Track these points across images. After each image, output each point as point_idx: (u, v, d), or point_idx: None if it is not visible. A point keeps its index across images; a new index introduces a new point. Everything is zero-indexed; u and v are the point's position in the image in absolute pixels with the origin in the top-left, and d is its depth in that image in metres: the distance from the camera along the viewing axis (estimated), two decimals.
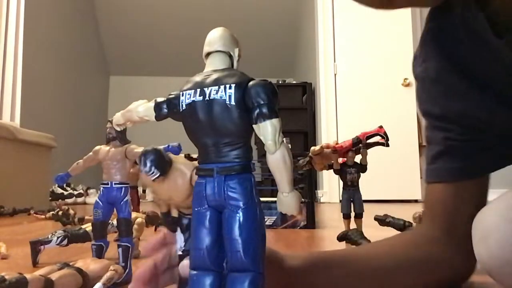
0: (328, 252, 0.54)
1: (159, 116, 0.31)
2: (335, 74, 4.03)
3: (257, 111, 0.26)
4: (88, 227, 0.83)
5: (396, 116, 3.55)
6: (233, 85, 0.27)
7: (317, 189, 3.98)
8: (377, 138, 1.15)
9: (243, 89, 0.27)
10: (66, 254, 0.91)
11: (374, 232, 0.93)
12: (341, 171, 1.13)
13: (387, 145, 1.15)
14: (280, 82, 4.57)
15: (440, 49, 0.56)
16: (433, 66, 0.57)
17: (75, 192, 3.75)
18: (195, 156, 0.33)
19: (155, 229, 1.34)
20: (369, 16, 3.59)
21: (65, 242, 0.82)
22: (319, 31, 4.09)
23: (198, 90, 0.28)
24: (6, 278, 0.49)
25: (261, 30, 5.61)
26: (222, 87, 0.27)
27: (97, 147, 0.69)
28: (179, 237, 0.35)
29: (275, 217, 1.54)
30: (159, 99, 0.31)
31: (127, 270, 0.63)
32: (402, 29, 3.72)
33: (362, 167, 1.11)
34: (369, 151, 1.12)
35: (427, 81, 0.59)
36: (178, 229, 0.35)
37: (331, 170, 1.15)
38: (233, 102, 0.27)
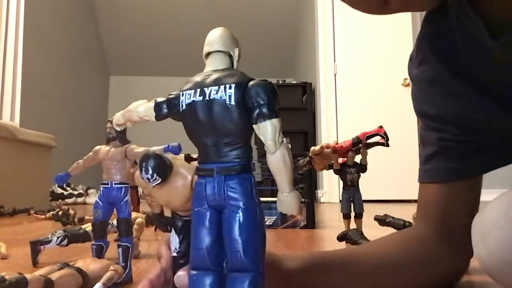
0: (326, 253, 0.54)
1: (159, 116, 0.31)
2: (335, 74, 4.03)
3: (257, 111, 0.26)
4: (88, 227, 0.83)
5: (396, 116, 3.54)
6: (233, 85, 0.27)
7: (317, 189, 3.98)
8: (377, 138, 1.15)
9: (243, 89, 0.27)
10: (66, 254, 0.91)
11: (374, 232, 0.93)
12: (341, 171, 1.13)
13: (387, 145, 1.15)
14: (280, 82, 4.57)
15: (437, 52, 0.57)
16: (429, 68, 0.58)
17: (75, 192, 3.75)
18: (195, 156, 0.33)
19: (155, 229, 1.34)
20: (369, 16, 3.58)
21: (65, 242, 0.82)
22: (319, 31, 4.09)
23: (198, 90, 0.28)
24: (6, 278, 0.49)
25: (261, 30, 5.61)
26: (222, 87, 0.27)
27: (97, 147, 0.69)
28: (174, 239, 0.35)
29: (275, 217, 1.54)
30: (159, 99, 0.31)
31: (127, 270, 0.63)
32: (402, 29, 3.71)
33: (362, 167, 1.11)
34: (369, 151, 1.12)
35: (424, 82, 0.59)
36: (173, 231, 0.35)
37: (331, 170, 1.15)
38: (233, 102, 0.27)
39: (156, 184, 0.31)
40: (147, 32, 5.75)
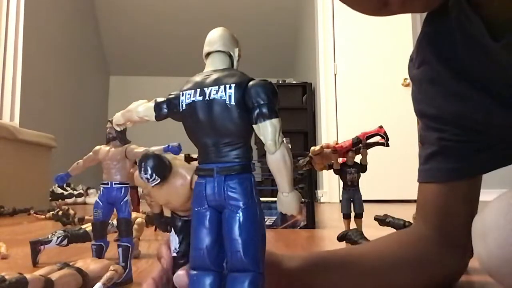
0: (326, 253, 0.54)
1: (159, 116, 0.31)
2: (335, 74, 4.03)
3: (257, 111, 0.26)
4: (88, 227, 0.83)
5: (396, 116, 3.55)
6: (233, 85, 0.27)
7: (317, 189, 3.98)
8: (377, 138, 1.15)
9: (243, 89, 0.27)
10: (66, 254, 0.91)
11: (374, 232, 0.93)
12: (341, 171, 1.13)
13: (387, 145, 1.15)
14: (280, 82, 4.57)
15: (437, 53, 0.57)
16: (430, 68, 0.58)
17: (75, 192, 3.75)
18: (195, 156, 0.33)
19: (155, 229, 1.34)
20: (369, 16, 3.58)
21: (65, 242, 0.82)
22: (319, 31, 4.09)
23: (198, 90, 0.28)
24: (6, 278, 0.49)
25: (261, 30, 5.61)
26: (222, 87, 0.27)
27: (97, 147, 0.69)
28: (174, 239, 0.35)
29: (275, 217, 1.54)
30: (159, 99, 0.31)
31: (127, 270, 0.63)
32: (402, 29, 3.71)
33: (362, 167, 1.11)
34: (369, 151, 1.12)
35: (424, 82, 0.59)
36: (173, 231, 0.35)
37: (331, 170, 1.15)
38: (233, 102, 0.27)
39: (155, 184, 0.31)
40: (147, 32, 5.75)
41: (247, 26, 5.44)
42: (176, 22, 5.61)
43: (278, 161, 0.26)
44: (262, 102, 0.26)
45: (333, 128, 3.96)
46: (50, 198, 3.16)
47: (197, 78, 0.29)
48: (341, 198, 1.15)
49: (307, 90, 4.34)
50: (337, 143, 1.14)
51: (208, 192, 0.28)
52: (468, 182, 0.58)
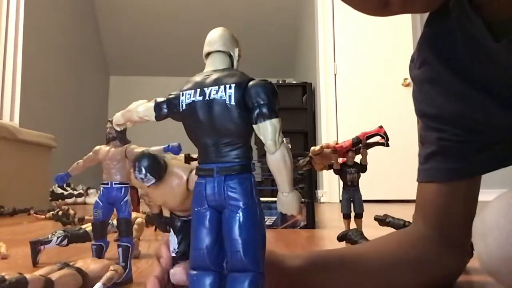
0: (327, 252, 0.54)
1: (159, 116, 0.31)
2: (335, 74, 4.03)
3: (257, 111, 0.26)
4: (88, 227, 0.83)
5: (396, 116, 3.55)
6: (233, 85, 0.27)
7: (317, 189, 3.98)
8: (377, 138, 1.15)
9: (243, 89, 0.27)
10: (66, 254, 0.91)
11: (374, 232, 0.93)
12: (341, 171, 1.13)
13: (387, 145, 1.15)
14: (280, 82, 4.57)
15: (437, 53, 0.57)
16: (430, 69, 0.58)
17: (75, 192, 3.75)
18: (195, 156, 0.33)
19: (155, 229, 1.34)
20: (369, 16, 3.58)
21: (65, 242, 0.82)
22: (319, 31, 4.09)
23: (198, 90, 0.28)
24: (6, 278, 0.49)
25: (261, 30, 5.61)
26: (222, 87, 0.27)
27: (97, 147, 0.69)
28: (173, 239, 0.35)
29: (275, 217, 1.54)
30: (159, 99, 0.31)
31: (127, 270, 0.63)
32: (402, 29, 3.72)
33: (362, 167, 1.11)
34: (369, 151, 1.12)
35: (425, 82, 0.59)
36: (171, 231, 0.35)
37: (331, 170, 1.15)
38: (233, 102, 0.27)
39: (151, 184, 0.31)
40: (147, 32, 5.75)
41: (247, 26, 5.44)
42: (176, 22, 5.61)
43: (278, 161, 0.26)
44: (262, 102, 0.26)
45: (333, 128, 3.96)
46: (50, 198, 3.16)
47: (197, 78, 0.29)
48: (341, 198, 1.15)
49: (307, 90, 4.34)
50: (337, 143, 1.14)
51: (208, 192, 0.28)
52: (467, 182, 0.58)
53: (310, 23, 4.49)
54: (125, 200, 0.65)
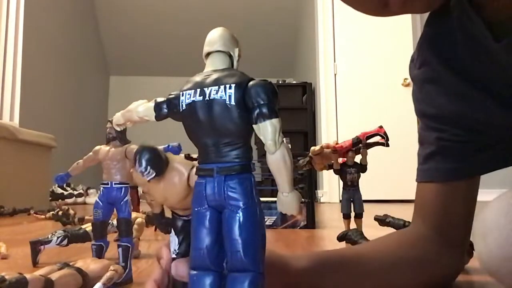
0: (329, 252, 0.54)
1: (159, 116, 0.31)
2: (335, 74, 4.03)
3: (257, 111, 0.26)
4: (88, 227, 0.83)
5: (396, 116, 3.55)
6: (233, 85, 0.27)
7: (317, 189, 3.98)
8: (377, 138, 1.15)
9: (243, 89, 0.27)
10: (66, 254, 0.91)
11: (374, 232, 0.93)
12: (341, 171, 1.13)
13: (387, 145, 1.15)
14: (280, 82, 4.57)
15: (437, 53, 0.57)
16: (430, 69, 0.58)
17: (75, 192, 3.75)
18: (195, 156, 0.33)
19: (155, 229, 1.34)
20: (369, 16, 3.59)
21: (65, 242, 0.82)
22: (319, 31, 4.10)
23: (198, 90, 0.28)
24: (6, 278, 0.49)
25: (261, 30, 5.61)
26: (222, 87, 0.27)
27: (97, 147, 0.69)
28: (173, 239, 0.34)
29: (275, 217, 1.54)
30: (159, 99, 0.31)
31: (127, 270, 0.63)
32: (402, 29, 3.72)
33: (362, 167, 1.11)
34: (369, 151, 1.12)
35: (425, 82, 0.59)
36: (172, 231, 0.34)
37: (331, 170, 1.15)
38: (233, 102, 0.27)
39: (151, 178, 0.31)
40: (147, 32, 5.75)
41: (247, 26, 5.44)
42: (176, 22, 5.61)
43: (278, 161, 0.26)
44: (262, 102, 0.26)
45: (333, 128, 3.96)
46: (50, 198, 3.16)
47: (197, 78, 0.29)
48: (341, 198, 1.15)
49: (307, 90, 4.34)
50: (337, 143, 1.14)
51: (208, 192, 0.28)
52: (467, 182, 0.58)
53: (310, 23, 4.49)
54: (125, 200, 0.65)
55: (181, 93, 0.29)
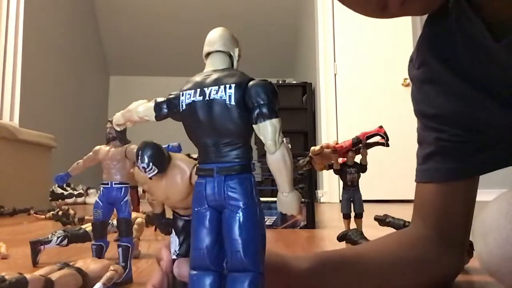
0: (330, 252, 0.54)
1: (159, 116, 0.31)
2: (335, 74, 4.03)
3: (257, 111, 0.26)
4: (88, 227, 0.83)
5: (396, 116, 3.55)
6: (233, 85, 0.27)
7: (317, 189, 3.98)
8: (377, 138, 1.15)
9: (243, 89, 0.27)
10: (66, 254, 0.91)
11: (374, 232, 0.93)
12: (341, 171, 1.13)
13: (387, 145, 1.15)
14: (280, 82, 4.57)
15: (436, 54, 0.57)
16: (430, 69, 0.58)
17: (75, 192, 3.75)
18: (195, 156, 0.33)
19: (155, 229, 1.34)
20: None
21: (65, 242, 0.82)
22: (319, 31, 4.10)
23: (198, 90, 0.28)
24: (6, 278, 0.49)
25: (261, 30, 5.61)
26: (222, 87, 0.27)
27: (97, 147, 0.69)
28: (174, 240, 0.34)
29: (275, 217, 1.54)
30: (159, 99, 0.31)
31: (127, 270, 0.63)
32: (402, 29, 3.72)
33: (362, 167, 1.11)
34: (369, 151, 1.12)
35: (424, 83, 0.59)
36: (173, 232, 0.34)
37: (331, 170, 1.15)
38: (233, 102, 0.27)
39: (153, 175, 0.30)
40: (147, 32, 5.75)
41: (247, 26, 5.44)
42: (176, 22, 5.61)
43: (278, 161, 0.26)
44: (262, 102, 0.26)
45: (333, 128, 3.96)
46: (50, 198, 3.16)
47: (197, 78, 0.29)
48: (341, 198, 1.15)
49: (307, 90, 4.34)
50: (337, 143, 1.14)
51: (208, 192, 0.28)
52: (466, 182, 0.58)
53: (310, 23, 4.49)
54: (125, 200, 0.65)
55: (181, 93, 0.29)
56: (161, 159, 0.31)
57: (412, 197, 0.63)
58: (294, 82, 4.75)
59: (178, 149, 0.59)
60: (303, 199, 1.48)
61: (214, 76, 0.28)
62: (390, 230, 1.00)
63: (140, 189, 1.40)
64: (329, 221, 1.88)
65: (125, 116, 0.34)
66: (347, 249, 0.65)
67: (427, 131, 0.60)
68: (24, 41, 3.68)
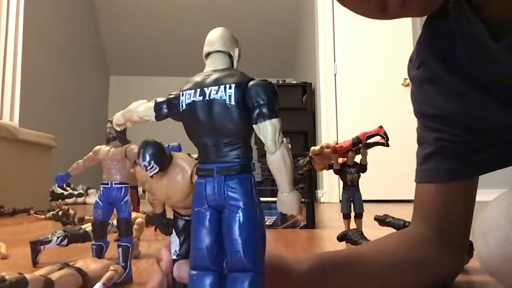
0: (330, 253, 0.54)
1: (159, 116, 0.31)
2: (335, 74, 4.03)
3: (257, 111, 0.26)
4: (88, 227, 0.83)
5: (396, 116, 3.55)
6: (233, 85, 0.27)
7: (317, 189, 3.98)
8: (377, 138, 1.15)
9: (243, 89, 0.27)
10: (66, 254, 0.91)
11: (374, 232, 0.93)
12: (341, 171, 1.13)
13: (387, 145, 1.15)
14: (280, 82, 4.57)
15: (436, 54, 0.57)
16: (429, 69, 0.58)
17: (75, 192, 3.75)
18: (195, 156, 0.33)
19: (155, 229, 1.34)
20: None
21: (65, 242, 0.82)
22: (319, 31, 4.09)
23: (198, 90, 0.28)
24: (6, 278, 0.49)
25: (261, 30, 5.61)
26: (222, 87, 0.27)
27: (97, 147, 0.69)
28: (174, 240, 0.34)
29: (275, 217, 1.54)
30: (159, 99, 0.31)
31: (127, 270, 0.63)
32: (402, 29, 3.72)
33: (362, 167, 1.11)
34: (369, 151, 1.12)
35: (424, 83, 0.59)
36: (174, 232, 0.34)
37: (331, 170, 1.15)
38: (233, 102, 0.27)
39: (154, 173, 0.30)
40: (147, 32, 5.75)
41: (247, 26, 5.44)
42: (176, 22, 5.61)
43: (278, 161, 0.26)
44: (262, 102, 0.26)
45: (333, 128, 3.96)
46: (50, 198, 3.16)
47: (197, 78, 0.29)
48: (341, 198, 1.15)
49: (307, 90, 4.34)
50: (337, 143, 1.14)
51: (208, 192, 0.28)
52: (466, 182, 0.58)
53: (310, 23, 4.49)
54: (125, 200, 0.65)
55: (181, 93, 0.29)
56: (162, 157, 0.31)
57: (412, 197, 0.63)
58: (294, 82, 4.75)
59: (178, 149, 0.59)
60: (303, 199, 1.48)
61: (214, 76, 0.28)
62: (390, 230, 1.00)
63: (140, 189, 1.40)
64: (329, 221, 1.88)
65: (125, 116, 0.34)
66: (347, 250, 0.65)
67: (427, 131, 0.60)
68: (24, 41, 3.68)
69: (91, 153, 0.70)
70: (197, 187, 0.29)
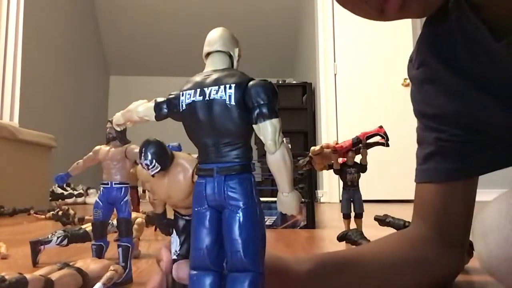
0: (330, 254, 0.54)
1: (159, 116, 0.31)
2: (335, 74, 4.03)
3: (257, 111, 0.26)
4: (88, 227, 0.83)
5: (396, 116, 3.55)
6: (233, 85, 0.27)
7: (317, 189, 3.98)
8: (377, 138, 1.15)
9: (243, 89, 0.27)
10: (66, 254, 0.91)
11: (374, 232, 0.93)
12: (341, 171, 1.13)
13: (387, 145, 1.15)
14: (280, 82, 4.57)
15: (436, 54, 0.57)
16: (429, 69, 0.58)
17: (75, 192, 3.75)
18: (195, 156, 0.33)
19: (155, 229, 1.34)
20: None
21: (65, 242, 0.82)
22: (319, 31, 4.10)
23: (198, 90, 0.28)
24: (6, 278, 0.49)
25: (261, 30, 5.61)
26: (222, 87, 0.27)
27: (97, 147, 0.69)
28: (175, 240, 0.34)
29: (275, 217, 1.54)
30: (159, 99, 0.31)
31: (127, 270, 0.63)
32: (402, 29, 3.72)
33: (362, 167, 1.12)
34: (369, 151, 1.12)
35: (424, 83, 0.59)
36: (174, 232, 0.34)
37: (331, 170, 1.15)
38: (233, 102, 0.27)
39: (155, 172, 0.30)
40: (147, 32, 5.75)
41: (247, 26, 5.44)
42: (176, 22, 5.61)
43: (278, 161, 0.26)
44: (262, 102, 0.26)
45: (333, 128, 3.96)
46: (50, 198, 3.16)
47: (197, 78, 0.29)
48: (341, 198, 1.15)
49: (307, 90, 4.35)
50: (337, 143, 1.14)
51: (208, 192, 0.28)
52: (466, 182, 0.58)
53: (310, 23, 4.49)
54: (125, 200, 0.65)
55: (181, 93, 0.29)
56: (164, 156, 0.31)
57: (412, 197, 0.63)
58: (294, 82, 4.75)
59: (178, 149, 0.58)
60: (303, 199, 1.48)
61: (214, 76, 0.28)
62: (390, 230, 1.00)
63: (140, 189, 1.40)
64: (329, 221, 1.88)
65: (125, 116, 0.34)
66: (347, 250, 0.65)
67: (427, 131, 0.60)
68: (24, 41, 3.68)
69: (91, 153, 0.70)
70: (197, 187, 0.29)
